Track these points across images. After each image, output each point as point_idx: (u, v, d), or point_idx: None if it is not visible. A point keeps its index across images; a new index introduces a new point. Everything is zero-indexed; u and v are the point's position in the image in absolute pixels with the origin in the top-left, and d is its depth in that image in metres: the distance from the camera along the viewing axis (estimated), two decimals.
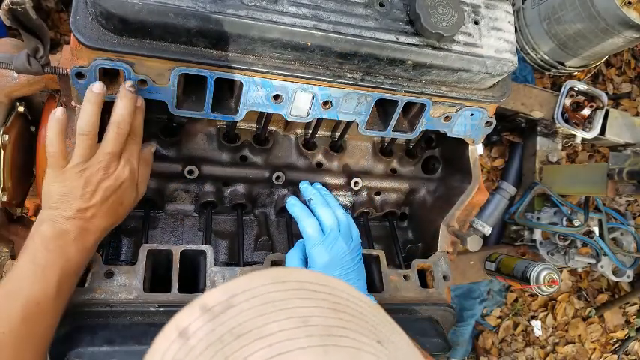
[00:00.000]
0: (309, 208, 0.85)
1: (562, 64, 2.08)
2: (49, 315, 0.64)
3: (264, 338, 0.32)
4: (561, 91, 1.64)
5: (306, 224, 0.81)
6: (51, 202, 0.69)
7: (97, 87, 0.67)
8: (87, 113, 0.67)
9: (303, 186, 0.91)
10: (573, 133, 1.66)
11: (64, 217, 0.68)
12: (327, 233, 0.79)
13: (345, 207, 1.10)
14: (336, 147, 1.04)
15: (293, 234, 0.99)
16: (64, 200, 0.68)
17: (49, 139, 0.68)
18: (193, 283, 0.83)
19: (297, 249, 0.82)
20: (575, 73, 2.26)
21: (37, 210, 1.03)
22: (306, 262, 0.81)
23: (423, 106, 0.84)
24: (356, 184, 1.04)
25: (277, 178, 0.99)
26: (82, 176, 0.69)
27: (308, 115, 0.80)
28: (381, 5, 0.73)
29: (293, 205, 0.85)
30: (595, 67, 2.26)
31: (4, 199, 0.81)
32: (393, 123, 0.85)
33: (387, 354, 0.34)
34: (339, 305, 0.36)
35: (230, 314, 0.34)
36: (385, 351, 0.35)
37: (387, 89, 0.79)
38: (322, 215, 0.82)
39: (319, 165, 1.05)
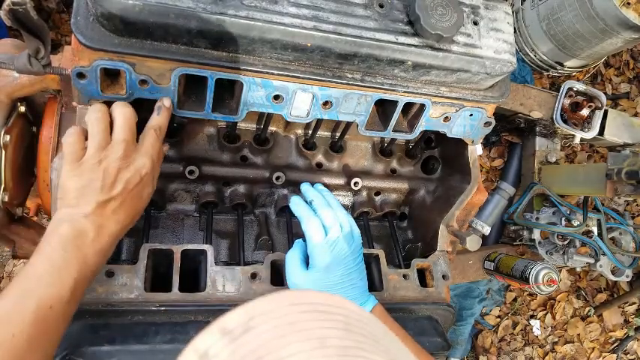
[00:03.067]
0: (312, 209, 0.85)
1: (561, 64, 2.09)
2: (60, 319, 0.61)
3: None
4: (560, 91, 1.65)
5: (309, 224, 0.81)
6: (68, 198, 0.66)
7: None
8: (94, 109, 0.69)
9: (305, 187, 0.91)
10: (572, 133, 1.66)
11: (83, 215, 0.65)
12: (330, 234, 0.80)
13: (345, 207, 1.10)
14: (336, 147, 1.05)
15: (293, 234, 0.99)
16: (82, 195, 0.65)
17: (68, 131, 0.67)
18: (194, 282, 0.83)
19: (296, 249, 0.82)
20: (574, 74, 2.26)
21: (38, 210, 1.04)
22: (306, 262, 0.81)
23: (422, 107, 0.84)
24: (356, 184, 1.05)
25: (277, 178, 0.99)
26: (100, 167, 0.66)
27: (308, 115, 0.81)
28: (381, 6, 0.73)
29: (297, 204, 0.85)
30: (594, 68, 2.26)
31: (6, 199, 0.81)
32: (392, 123, 0.85)
33: None
34: (351, 326, 0.37)
35: (249, 336, 0.34)
36: None
37: (386, 90, 0.80)
38: (324, 216, 0.82)
39: (319, 165, 1.06)
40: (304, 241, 0.84)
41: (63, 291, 0.61)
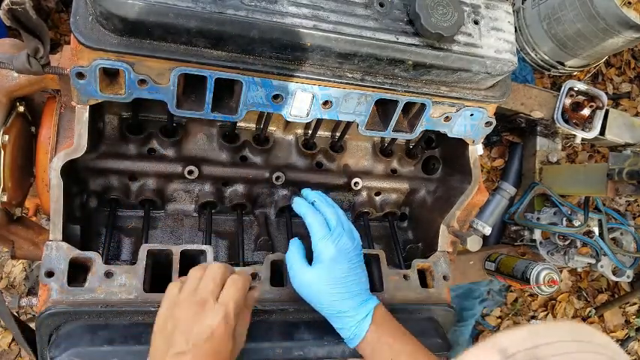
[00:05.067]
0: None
1: (562, 64, 2.08)
2: None
3: None
4: (561, 91, 1.64)
5: (313, 219, 0.82)
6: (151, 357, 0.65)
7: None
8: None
9: (306, 191, 0.92)
10: (573, 133, 1.66)
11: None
12: (333, 228, 0.81)
13: (345, 207, 1.10)
14: (336, 147, 1.04)
15: (293, 234, 0.99)
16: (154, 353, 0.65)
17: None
18: None
19: (295, 248, 0.82)
20: (575, 73, 2.26)
21: (37, 210, 1.03)
22: (308, 261, 0.81)
23: (422, 106, 0.84)
24: (356, 184, 1.04)
25: (277, 178, 0.99)
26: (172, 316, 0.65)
27: (308, 115, 0.80)
28: (381, 5, 0.73)
29: (300, 203, 0.86)
30: (595, 67, 2.26)
31: (4, 199, 0.81)
32: (393, 123, 0.85)
33: None
34: None
35: None
36: None
37: (387, 89, 0.79)
38: (327, 213, 0.83)
39: (319, 165, 1.05)
40: (300, 239, 0.84)
41: None
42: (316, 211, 0.84)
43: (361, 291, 0.79)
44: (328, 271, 0.77)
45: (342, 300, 0.76)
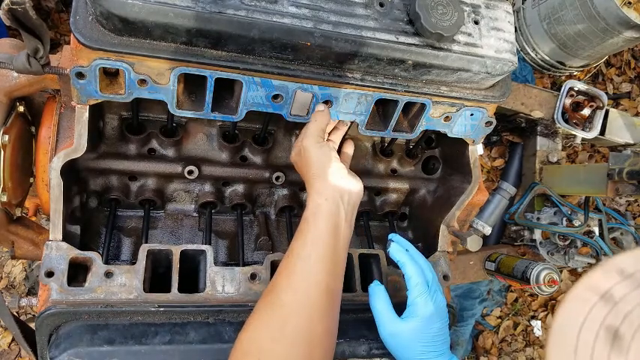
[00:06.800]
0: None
1: (562, 64, 2.08)
2: None
3: None
4: (561, 91, 1.64)
5: (412, 271, 0.79)
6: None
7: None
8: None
9: (396, 237, 0.88)
10: (573, 133, 1.65)
11: None
12: (431, 283, 0.79)
13: None
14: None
15: (293, 234, 0.99)
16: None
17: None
18: (193, 283, 0.83)
19: (383, 296, 0.79)
20: (575, 73, 2.26)
21: (37, 210, 1.03)
22: (394, 309, 0.78)
23: (423, 106, 0.84)
24: None
25: (277, 178, 0.99)
26: None
27: (308, 114, 0.80)
28: (381, 5, 0.73)
29: (397, 250, 0.83)
30: (595, 67, 2.26)
31: (4, 199, 0.81)
32: (393, 123, 0.85)
33: None
34: None
35: None
36: None
37: (387, 89, 0.79)
38: (423, 265, 0.81)
39: None
40: (380, 282, 0.82)
41: None
42: (414, 261, 0.81)
43: (446, 350, 0.77)
44: (423, 329, 0.74)
45: (429, 359, 0.74)
